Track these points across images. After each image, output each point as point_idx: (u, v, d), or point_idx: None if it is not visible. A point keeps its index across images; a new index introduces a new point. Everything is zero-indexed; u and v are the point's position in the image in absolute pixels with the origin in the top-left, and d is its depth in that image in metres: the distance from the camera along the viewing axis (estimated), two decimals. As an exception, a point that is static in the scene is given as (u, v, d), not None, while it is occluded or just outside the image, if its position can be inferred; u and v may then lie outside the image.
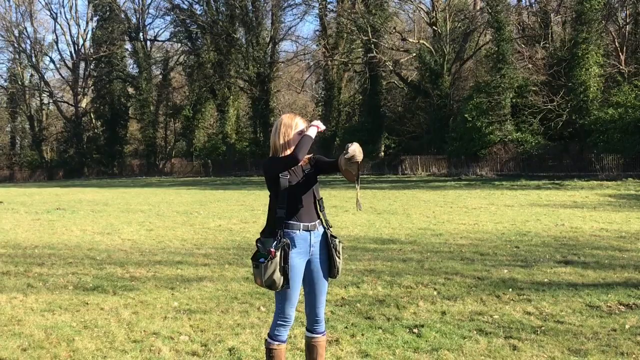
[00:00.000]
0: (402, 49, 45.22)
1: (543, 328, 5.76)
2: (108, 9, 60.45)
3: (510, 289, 7.28)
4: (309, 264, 4.23)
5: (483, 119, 37.00)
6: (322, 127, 4.25)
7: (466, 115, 37.97)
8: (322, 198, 4.33)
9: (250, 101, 54.92)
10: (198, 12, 56.34)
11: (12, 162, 67.09)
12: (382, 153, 46.90)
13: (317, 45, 52.04)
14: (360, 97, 50.57)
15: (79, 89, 64.84)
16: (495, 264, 8.85)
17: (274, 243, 4.10)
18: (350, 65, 50.17)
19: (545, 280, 7.75)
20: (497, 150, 37.64)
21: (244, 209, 18.92)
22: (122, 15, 61.67)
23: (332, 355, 5.13)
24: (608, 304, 6.57)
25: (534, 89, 36.24)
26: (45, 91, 67.30)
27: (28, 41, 66.37)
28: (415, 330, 5.76)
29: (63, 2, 76.90)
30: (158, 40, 63.78)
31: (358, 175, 4.28)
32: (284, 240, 4.10)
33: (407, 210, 17.27)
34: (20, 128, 69.76)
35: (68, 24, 66.18)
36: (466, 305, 6.63)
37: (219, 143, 54.52)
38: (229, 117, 53.88)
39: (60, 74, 68.27)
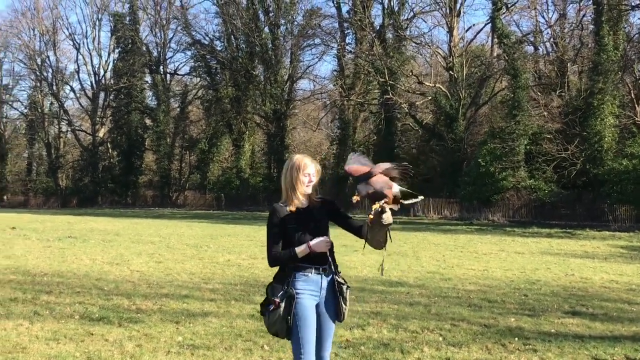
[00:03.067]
0: (418, 92, 45.52)
1: (547, 380, 5.72)
2: (130, 41, 61.55)
3: (517, 338, 7.23)
4: (317, 307, 4.19)
5: (496, 164, 37.00)
6: (316, 248, 4.12)
7: (480, 160, 37.99)
8: (331, 242, 4.31)
9: (266, 137, 55.35)
10: (218, 48, 57.21)
11: (28, 188, 67.73)
12: (394, 194, 46.83)
13: (334, 85, 52.52)
14: (375, 138, 50.79)
15: (97, 119, 65.63)
16: (502, 311, 8.80)
17: (280, 293, 4.09)
18: (366, 105, 50.51)
19: (552, 330, 7.70)
20: (509, 197, 37.55)
21: (254, 244, 18.93)
22: (144, 48, 62.66)
23: (333, 398, 5.11)
24: (614, 358, 6.51)
25: (549, 136, 36.29)
26: (64, 119, 68.20)
27: (50, 70, 67.60)
28: (418, 376, 5.73)
29: (86, 33, 77.79)
30: (178, 74, 64.66)
31: (386, 242, 4.17)
32: (290, 290, 4.08)
33: (417, 253, 17.22)
34: (38, 155, 70.60)
35: (90, 54, 67.26)
36: (471, 353, 6.59)
37: (232, 177, 54.75)
38: (244, 152, 54.25)
39: (79, 103, 69.23)
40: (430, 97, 44.05)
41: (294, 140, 55.65)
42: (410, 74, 44.53)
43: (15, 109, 70.76)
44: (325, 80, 56.65)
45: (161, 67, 62.59)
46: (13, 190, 68.47)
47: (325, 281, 4.20)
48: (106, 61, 66.40)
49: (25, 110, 69.13)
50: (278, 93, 52.44)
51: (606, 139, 33.90)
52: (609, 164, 33.02)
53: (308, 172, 4.25)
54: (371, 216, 4.10)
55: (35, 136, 67.70)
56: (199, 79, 60.83)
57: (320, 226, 4.23)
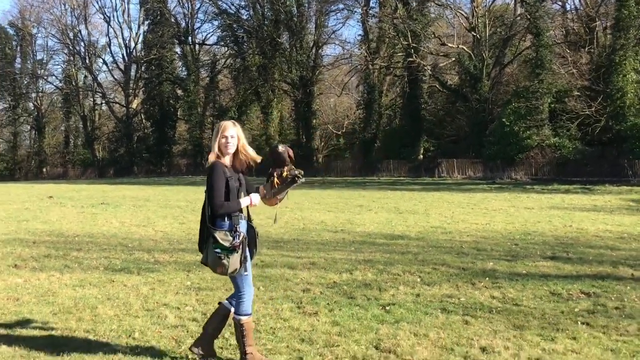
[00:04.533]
0: (441, 54, 45.79)
1: (499, 309, 6.57)
2: (159, 13, 62.49)
3: (487, 278, 8.07)
4: None
5: (521, 123, 37.36)
6: (255, 202, 4.99)
7: (504, 120, 38.39)
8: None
9: (293, 104, 56.17)
10: (244, 17, 57.94)
11: (66, 160, 69.85)
12: (421, 156, 47.51)
13: (359, 49, 52.87)
14: (401, 101, 51.25)
15: (130, 91, 67.12)
16: (485, 258, 9.62)
17: (235, 237, 4.77)
18: (392, 69, 50.88)
19: (524, 272, 8.51)
20: (534, 155, 37.93)
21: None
22: (172, 20, 63.58)
23: (309, 325, 6.04)
24: (570, 292, 7.31)
25: (577, 94, 36.43)
26: (98, 92, 69.83)
27: (82, 43, 69.14)
28: (388, 308, 6.63)
29: (116, 6, 79.52)
30: (206, 44, 65.60)
31: (282, 200, 5.21)
32: (243, 233, 4.84)
33: (428, 211, 18.01)
34: (74, 127, 72.46)
35: (121, 27, 68.65)
36: (441, 290, 7.47)
37: (262, 144, 55.70)
38: (272, 119, 55.20)
39: (112, 76, 70.78)
40: (454, 59, 44.29)
41: (321, 106, 56.35)
42: (433, 36, 44.74)
43: (51, 83, 72.65)
44: (350, 45, 56.99)
45: (190, 37, 63.61)
46: (52, 163, 70.72)
47: (247, 225, 5.02)
48: (136, 33, 67.81)
49: (60, 84, 70.91)
50: (304, 59, 53.07)
51: (628, 95, 34.00)
52: (632, 119, 33.24)
53: (227, 134, 4.94)
54: (277, 180, 5.11)
55: (71, 109, 69.47)
56: (226, 48, 61.72)
57: (241, 181, 5.04)
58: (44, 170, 69.14)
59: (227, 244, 4.77)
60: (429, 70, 44.84)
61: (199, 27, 65.55)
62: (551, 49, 38.24)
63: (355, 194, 26.17)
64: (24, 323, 6.22)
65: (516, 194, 25.07)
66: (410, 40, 43.41)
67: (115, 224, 15.04)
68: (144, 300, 7.10)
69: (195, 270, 8.80)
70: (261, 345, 5.40)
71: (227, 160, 4.99)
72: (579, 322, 6.03)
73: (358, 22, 54.50)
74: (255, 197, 5.03)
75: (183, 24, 64.08)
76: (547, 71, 37.04)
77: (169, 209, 19.30)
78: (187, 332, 5.89)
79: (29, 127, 73.42)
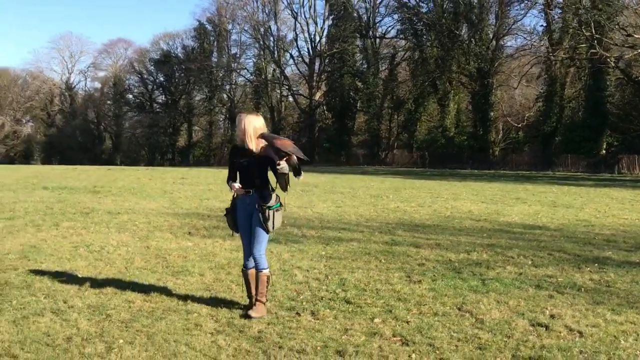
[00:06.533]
0: (627, 45, 43.48)
1: (589, 288, 7.17)
2: (342, 8, 65.12)
3: (596, 264, 8.54)
4: (250, 217, 6.16)
5: None
6: (234, 186, 6.09)
7: (694, 114, 35.98)
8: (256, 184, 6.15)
9: (470, 96, 56.04)
10: (424, 10, 58.71)
11: (255, 148, 75.00)
12: (604, 151, 45.60)
13: (540, 41, 51.54)
14: (584, 94, 49.39)
15: (314, 83, 70.56)
16: (608, 248, 9.96)
17: (230, 205, 6.33)
18: (575, 60, 49.11)
19: (636, 261, 8.85)
20: None
21: (430, 195, 20.80)
22: (355, 14, 66.03)
23: (410, 289, 7.09)
24: (673, 282, 7.65)
25: None
26: (284, 84, 74.16)
27: (272, 38, 73.69)
28: (486, 282, 7.47)
29: (303, 2, 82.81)
30: (386, 38, 67.25)
31: (287, 185, 6.05)
32: (234, 204, 6.27)
33: (585, 205, 17.91)
34: (263, 117, 77.29)
35: (307, 22, 72.06)
36: (545, 271, 8.12)
37: (438, 136, 56.46)
38: (449, 111, 55.65)
39: (297, 69, 74.79)
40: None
41: (500, 99, 55.67)
42: (618, 26, 42.69)
43: (243, 76, 78.48)
44: (531, 36, 55.60)
45: (370, 31, 65.64)
46: (242, 150, 76.12)
47: (249, 200, 6.10)
48: (321, 28, 70.92)
49: (251, 77, 76.21)
50: (482, 51, 52.83)
51: None
52: None
53: (256, 126, 6.11)
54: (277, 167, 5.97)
55: (260, 100, 74.40)
56: (405, 41, 62.90)
57: (253, 167, 6.11)
58: (236, 157, 74.59)
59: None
60: (612, 62, 42.84)
61: (379, 21, 67.76)
62: None
63: (519, 187, 26.21)
64: (186, 273, 7.92)
65: (693, 192, 23.80)
66: (593, 31, 41.82)
67: (280, 205, 16.79)
68: (282, 263, 8.54)
69: (333, 244, 10.13)
70: (362, 300, 6.57)
71: (247, 144, 6.11)
72: (659, 304, 6.51)
73: (540, 12, 53.08)
74: (237, 187, 6.11)
75: (365, 18, 66.34)
76: None
77: (331, 194, 20.89)
78: (308, 287, 7.19)
79: (223, 117, 79.79)
